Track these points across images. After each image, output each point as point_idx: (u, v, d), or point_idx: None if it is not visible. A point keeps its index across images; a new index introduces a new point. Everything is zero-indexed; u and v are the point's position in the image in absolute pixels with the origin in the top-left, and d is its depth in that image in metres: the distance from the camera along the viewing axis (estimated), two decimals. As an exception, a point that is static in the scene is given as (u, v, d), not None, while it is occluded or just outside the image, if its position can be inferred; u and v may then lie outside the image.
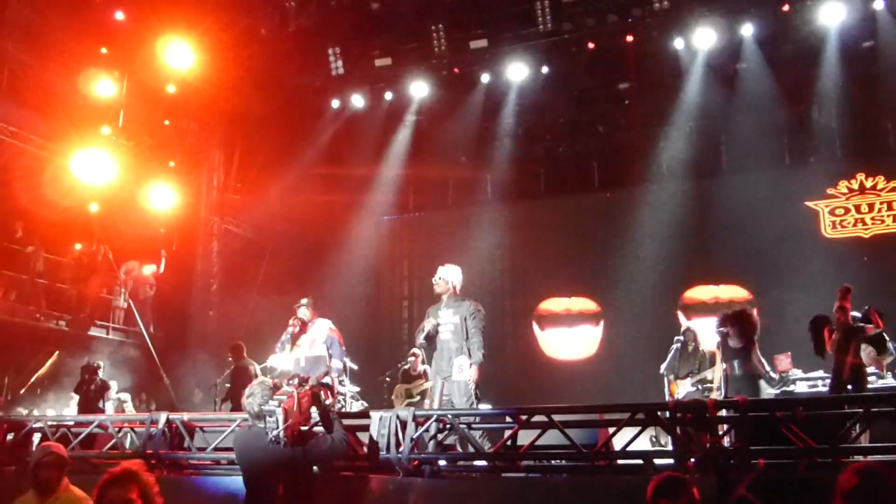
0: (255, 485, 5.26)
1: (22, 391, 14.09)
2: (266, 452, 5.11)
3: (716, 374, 10.47)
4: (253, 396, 5.20)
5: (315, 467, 5.60)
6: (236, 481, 6.28)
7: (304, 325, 9.51)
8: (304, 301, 9.64)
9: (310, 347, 9.41)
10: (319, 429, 5.52)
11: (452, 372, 7.86)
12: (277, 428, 5.05)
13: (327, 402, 5.53)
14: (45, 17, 13.65)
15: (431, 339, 8.25)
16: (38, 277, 14.23)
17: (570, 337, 15.89)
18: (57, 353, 14.44)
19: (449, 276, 8.28)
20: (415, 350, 13.24)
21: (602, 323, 15.65)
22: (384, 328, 17.64)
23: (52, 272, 14.64)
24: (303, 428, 5.29)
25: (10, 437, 8.17)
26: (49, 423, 8.04)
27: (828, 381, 9.68)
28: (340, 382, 9.53)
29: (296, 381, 5.39)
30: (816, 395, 9.82)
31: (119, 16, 14.28)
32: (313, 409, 5.47)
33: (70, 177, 13.74)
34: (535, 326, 16.15)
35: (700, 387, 10.59)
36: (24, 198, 13.25)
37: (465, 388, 7.76)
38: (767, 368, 9.15)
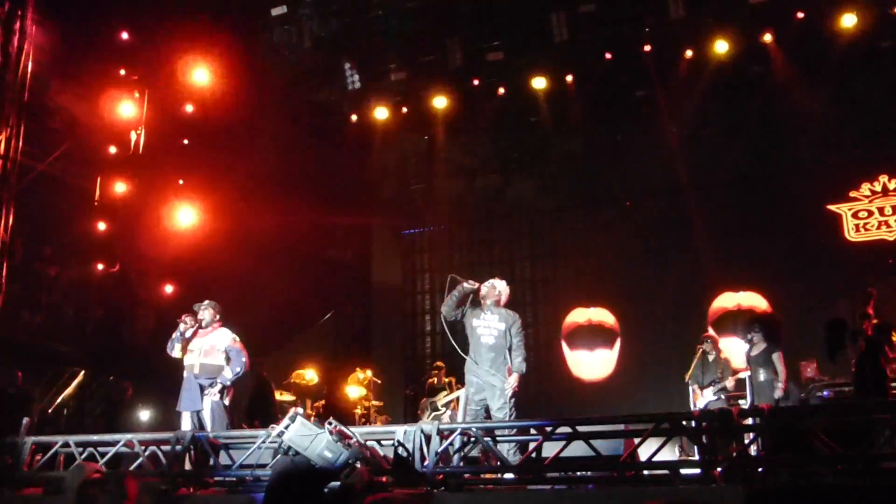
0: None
1: (49, 411, 14.18)
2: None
3: (728, 382, 10.44)
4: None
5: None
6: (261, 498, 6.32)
7: (199, 329, 8.70)
8: (207, 302, 8.79)
9: (206, 355, 8.58)
10: None
11: (494, 380, 7.63)
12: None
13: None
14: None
15: (461, 328, 7.97)
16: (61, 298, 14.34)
17: (590, 359, 15.68)
18: (83, 372, 14.52)
19: (500, 286, 8.11)
20: (438, 363, 13.26)
21: (617, 344, 15.40)
22: (407, 342, 17.63)
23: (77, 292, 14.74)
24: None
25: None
26: (75, 442, 8.08)
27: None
28: (221, 393, 8.44)
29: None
30: (841, 402, 9.76)
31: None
32: None
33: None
34: (565, 345, 15.88)
35: (723, 395, 10.51)
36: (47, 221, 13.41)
37: (505, 396, 7.61)
38: (781, 378, 9.06)
